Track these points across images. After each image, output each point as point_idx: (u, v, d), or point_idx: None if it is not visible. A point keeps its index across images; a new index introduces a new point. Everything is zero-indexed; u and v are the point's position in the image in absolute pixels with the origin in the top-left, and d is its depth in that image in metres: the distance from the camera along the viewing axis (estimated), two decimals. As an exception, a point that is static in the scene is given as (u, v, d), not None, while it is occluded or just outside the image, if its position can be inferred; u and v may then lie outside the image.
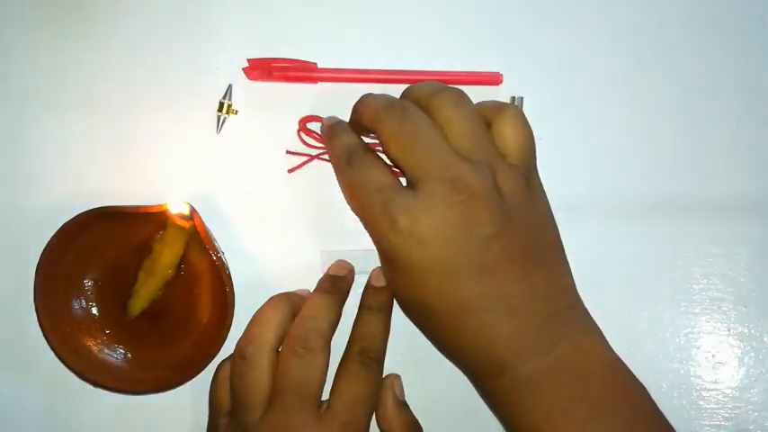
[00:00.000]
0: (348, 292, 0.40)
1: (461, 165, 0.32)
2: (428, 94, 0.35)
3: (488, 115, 0.35)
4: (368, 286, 0.40)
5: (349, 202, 0.38)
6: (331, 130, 0.39)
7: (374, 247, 0.42)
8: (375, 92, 0.42)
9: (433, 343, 0.37)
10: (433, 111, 0.34)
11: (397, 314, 0.41)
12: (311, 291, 0.41)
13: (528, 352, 0.33)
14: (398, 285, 0.35)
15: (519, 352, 0.33)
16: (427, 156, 0.32)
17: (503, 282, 0.33)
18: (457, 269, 0.32)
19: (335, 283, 0.39)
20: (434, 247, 0.32)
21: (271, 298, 0.39)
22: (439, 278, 0.32)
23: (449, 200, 0.31)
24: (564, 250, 0.36)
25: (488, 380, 0.34)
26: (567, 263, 0.36)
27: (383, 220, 0.32)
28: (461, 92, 0.35)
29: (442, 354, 0.37)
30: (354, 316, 0.40)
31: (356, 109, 0.37)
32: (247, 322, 0.38)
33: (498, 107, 0.35)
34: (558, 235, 0.36)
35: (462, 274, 0.32)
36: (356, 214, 0.37)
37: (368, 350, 0.38)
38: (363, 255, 0.41)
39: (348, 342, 0.38)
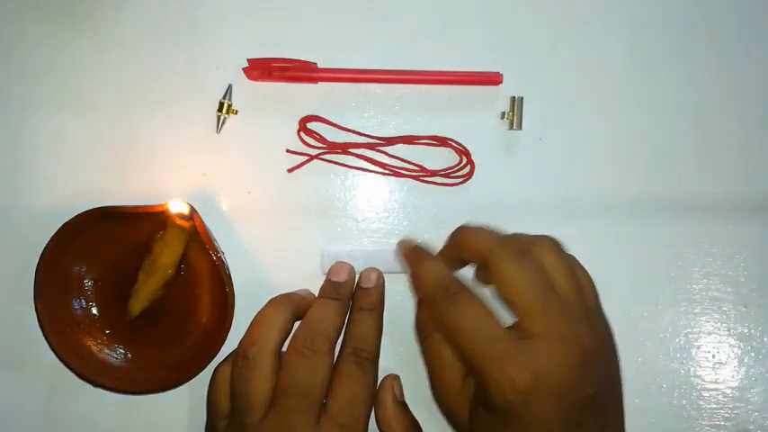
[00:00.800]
0: (351, 296, 0.40)
1: (578, 325, 0.33)
2: (528, 241, 0.35)
3: None
4: (358, 287, 0.40)
5: (447, 337, 0.35)
6: (416, 256, 0.37)
7: (374, 248, 0.42)
8: (375, 92, 0.43)
9: None
10: (537, 255, 0.34)
11: (394, 314, 0.41)
12: (311, 291, 0.41)
13: None
14: (495, 429, 0.34)
15: None
16: (548, 310, 0.33)
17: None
18: (562, 423, 0.32)
19: (337, 289, 0.40)
20: (549, 406, 0.32)
21: (272, 299, 0.39)
22: (543, 430, 0.32)
23: (569, 360, 0.32)
24: (623, 406, 0.37)
25: None
26: (624, 415, 0.37)
27: (501, 377, 0.32)
28: (556, 239, 0.36)
29: None
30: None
31: (459, 241, 0.36)
32: (248, 323, 0.38)
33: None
34: (622, 387, 0.37)
35: (564, 428, 0.33)
36: (454, 348, 0.35)
37: (361, 350, 0.38)
38: (363, 255, 0.41)
39: (342, 344, 0.38)
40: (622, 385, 0.36)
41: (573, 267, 0.35)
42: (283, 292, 0.40)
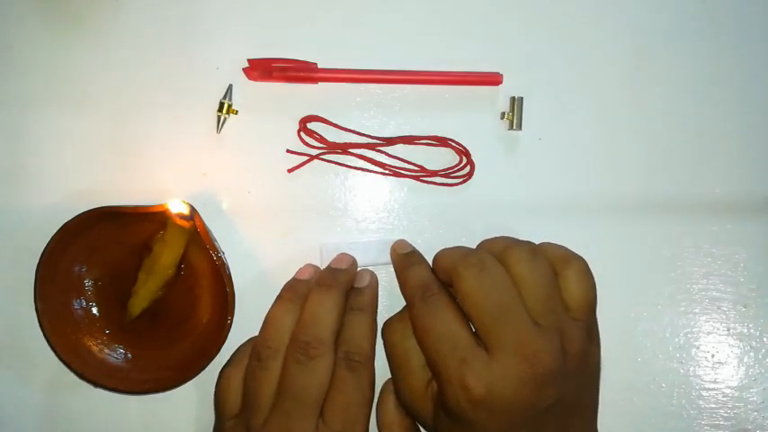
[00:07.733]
0: (349, 285, 0.40)
1: (538, 340, 0.32)
2: (502, 248, 0.35)
3: (554, 265, 0.35)
4: (351, 288, 0.40)
5: (417, 337, 0.36)
6: (406, 259, 0.39)
7: (373, 239, 0.42)
8: (375, 92, 0.43)
9: None
10: (507, 265, 0.34)
11: (396, 311, 0.41)
12: (320, 268, 0.41)
13: None
14: (454, 430, 0.35)
15: None
16: (505, 324, 0.33)
17: None
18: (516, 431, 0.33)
19: (336, 276, 0.39)
20: (502, 416, 0.32)
21: (280, 295, 0.38)
22: None
23: (524, 376, 0.32)
24: (597, 402, 0.37)
25: None
26: (597, 410, 0.37)
27: (456, 383, 0.32)
28: (535, 247, 0.35)
29: None
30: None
31: (435, 264, 0.38)
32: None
33: (565, 259, 0.35)
34: (598, 387, 0.37)
35: None
36: (421, 349, 0.35)
37: (353, 353, 0.37)
38: (363, 247, 0.41)
39: (334, 347, 0.37)
40: (599, 383, 0.37)
41: (546, 277, 0.34)
42: (290, 279, 0.40)
